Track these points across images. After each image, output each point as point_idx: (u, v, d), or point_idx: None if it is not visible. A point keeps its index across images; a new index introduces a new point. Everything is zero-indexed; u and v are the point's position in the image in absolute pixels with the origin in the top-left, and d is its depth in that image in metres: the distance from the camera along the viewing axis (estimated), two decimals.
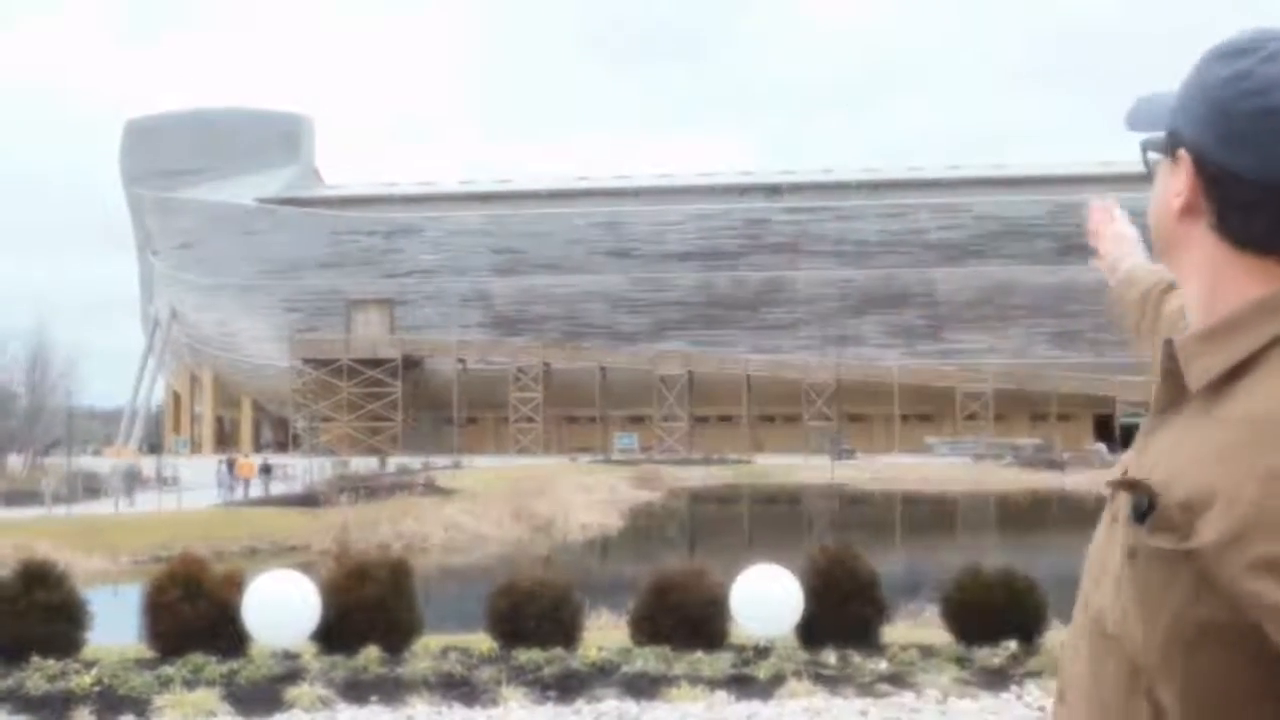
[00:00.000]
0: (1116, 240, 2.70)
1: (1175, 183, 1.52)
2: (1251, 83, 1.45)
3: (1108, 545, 1.48)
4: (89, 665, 10.84)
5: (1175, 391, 1.48)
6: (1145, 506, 1.41)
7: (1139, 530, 1.40)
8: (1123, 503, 1.45)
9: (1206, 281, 1.52)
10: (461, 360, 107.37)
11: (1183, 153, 1.51)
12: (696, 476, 76.07)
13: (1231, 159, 1.45)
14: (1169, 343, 1.49)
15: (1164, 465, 1.43)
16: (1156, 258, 1.63)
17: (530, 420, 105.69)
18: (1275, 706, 1.33)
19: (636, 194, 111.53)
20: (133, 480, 53.14)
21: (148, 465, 65.31)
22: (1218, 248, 1.49)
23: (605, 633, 13.28)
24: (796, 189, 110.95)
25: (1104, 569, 1.48)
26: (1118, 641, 1.44)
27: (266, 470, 57.49)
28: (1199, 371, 1.46)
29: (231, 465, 58.42)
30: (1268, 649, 1.30)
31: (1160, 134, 1.55)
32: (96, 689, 10.05)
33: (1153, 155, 1.57)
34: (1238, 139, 1.44)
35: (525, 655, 10.96)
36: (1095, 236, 2.76)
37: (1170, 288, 2.25)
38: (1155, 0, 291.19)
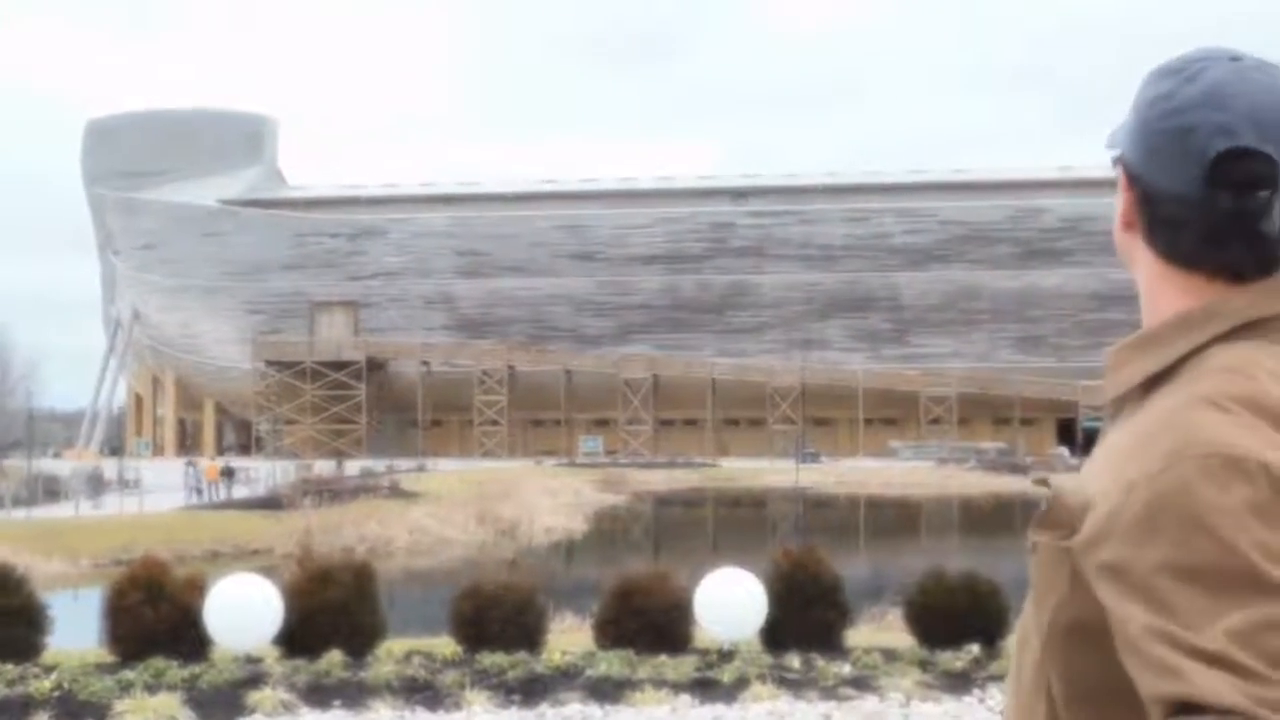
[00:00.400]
0: None
1: (1118, 197, 1.58)
2: (1172, 103, 1.50)
3: None
4: (48, 670, 10.75)
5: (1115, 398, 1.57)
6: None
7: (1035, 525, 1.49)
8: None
9: (1146, 293, 1.58)
10: (426, 363, 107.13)
11: (1120, 169, 1.57)
12: (661, 480, 76.09)
13: (1154, 176, 1.51)
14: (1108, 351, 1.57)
15: (1086, 468, 1.51)
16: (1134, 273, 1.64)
17: (495, 423, 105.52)
18: (1130, 706, 1.36)
19: (601, 197, 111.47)
20: (97, 483, 52.81)
21: (109, 468, 64.86)
22: (1154, 262, 1.55)
23: (569, 636, 13.27)
24: (761, 193, 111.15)
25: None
26: (1027, 633, 1.53)
27: (229, 473, 57.15)
28: (1119, 380, 1.54)
29: (192, 466, 58.21)
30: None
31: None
32: (56, 694, 9.97)
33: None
34: (1159, 156, 1.50)
35: (489, 659, 10.93)
36: None
37: None
38: (1119, 7, 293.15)
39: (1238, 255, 1.47)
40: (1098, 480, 1.42)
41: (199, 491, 52.73)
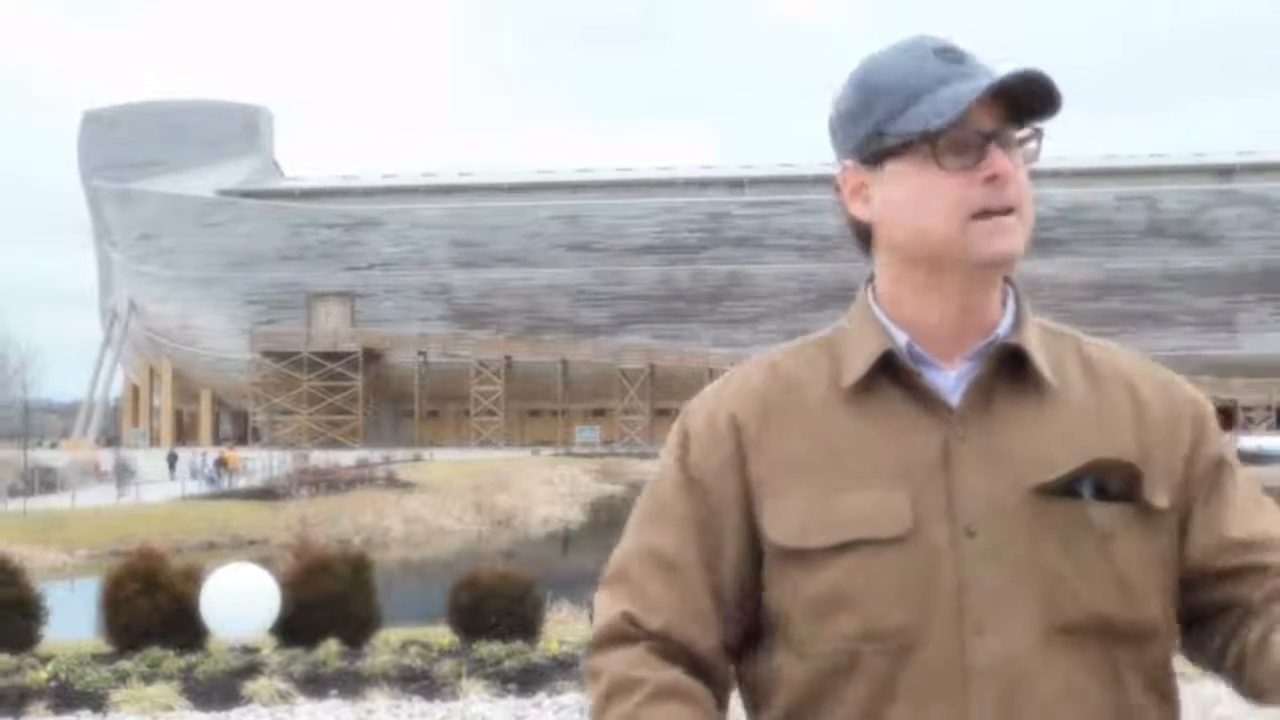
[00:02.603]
0: None
1: None
2: None
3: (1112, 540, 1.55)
4: (45, 660, 10.75)
5: (1013, 387, 1.60)
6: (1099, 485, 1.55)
7: (1117, 506, 1.55)
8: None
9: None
10: (422, 353, 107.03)
11: None
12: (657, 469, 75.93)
13: None
14: (1012, 344, 1.60)
15: (1077, 446, 1.57)
16: None
17: (491, 413, 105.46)
18: None
19: (598, 188, 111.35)
20: (126, 473, 52.91)
21: (105, 458, 64.86)
22: None
23: (566, 626, 13.26)
24: (758, 183, 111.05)
25: (1086, 565, 1.54)
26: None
27: (222, 464, 57.38)
28: (1047, 365, 1.62)
29: (173, 456, 58.62)
30: None
31: None
32: (53, 684, 9.97)
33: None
34: None
35: (486, 649, 10.94)
36: None
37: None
38: (1119, 3, 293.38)
39: None
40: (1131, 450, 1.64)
41: (211, 480, 53.35)
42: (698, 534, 1.62)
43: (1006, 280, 1.66)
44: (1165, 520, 1.56)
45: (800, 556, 1.56)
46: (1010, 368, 1.59)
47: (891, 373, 1.59)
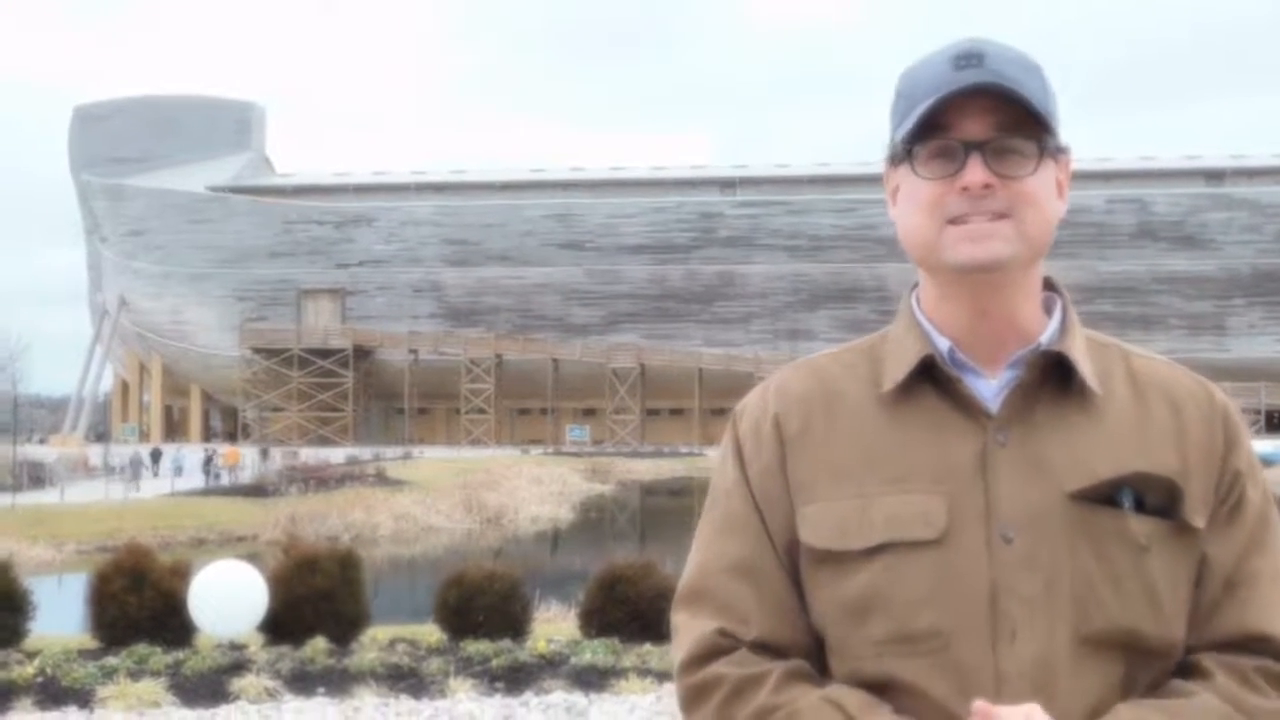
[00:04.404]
0: None
1: (1058, 187, 1.64)
2: None
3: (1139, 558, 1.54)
4: (31, 655, 10.72)
5: (1057, 395, 1.59)
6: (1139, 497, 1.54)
7: (1154, 520, 1.54)
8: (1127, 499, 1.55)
9: (1038, 287, 1.66)
10: (413, 351, 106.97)
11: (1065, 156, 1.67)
12: (647, 469, 76.04)
13: None
14: (1055, 352, 1.59)
15: (1113, 458, 1.55)
16: (1022, 269, 1.61)
17: (482, 412, 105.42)
18: None
19: (590, 186, 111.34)
20: (138, 467, 52.97)
21: (94, 454, 64.76)
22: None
23: (554, 625, 13.27)
24: (749, 183, 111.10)
25: (1119, 576, 1.51)
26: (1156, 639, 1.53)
27: (209, 460, 57.43)
28: (1093, 375, 1.60)
29: (156, 452, 58.62)
30: None
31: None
32: (39, 680, 9.94)
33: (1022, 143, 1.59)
34: None
35: (474, 647, 10.93)
36: None
37: None
38: (1118, 4, 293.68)
39: None
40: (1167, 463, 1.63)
41: (216, 476, 53.64)
42: (767, 536, 1.63)
43: (1053, 289, 1.67)
44: (1199, 540, 1.54)
45: (835, 559, 1.57)
46: (1055, 376, 1.58)
47: (932, 378, 1.59)
